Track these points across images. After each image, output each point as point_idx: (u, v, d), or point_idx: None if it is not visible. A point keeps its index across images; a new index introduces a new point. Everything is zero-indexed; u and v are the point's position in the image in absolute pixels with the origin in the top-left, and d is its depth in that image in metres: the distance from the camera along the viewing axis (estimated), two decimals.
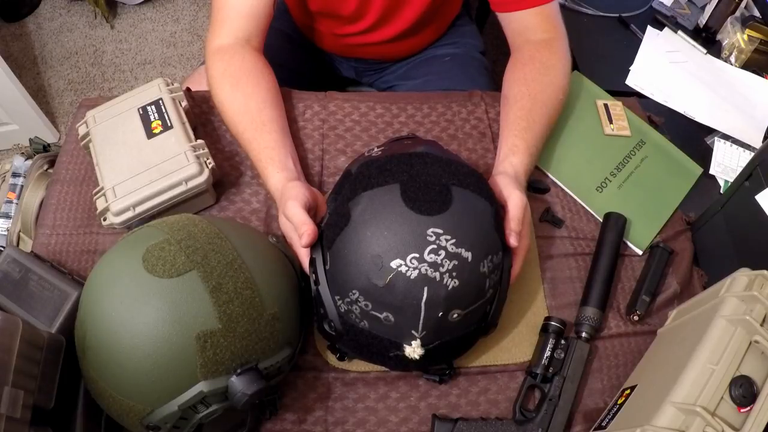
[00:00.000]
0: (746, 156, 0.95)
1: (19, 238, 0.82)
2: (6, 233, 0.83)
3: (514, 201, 0.65)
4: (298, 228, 0.62)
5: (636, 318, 0.72)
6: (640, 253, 0.79)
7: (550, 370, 0.67)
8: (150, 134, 0.74)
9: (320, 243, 0.61)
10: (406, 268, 0.54)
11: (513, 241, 0.62)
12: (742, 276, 0.59)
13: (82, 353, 0.55)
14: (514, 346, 0.71)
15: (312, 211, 0.66)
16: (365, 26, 0.95)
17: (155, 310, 0.51)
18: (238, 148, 0.81)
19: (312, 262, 0.61)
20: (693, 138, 0.98)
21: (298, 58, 1.08)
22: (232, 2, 0.80)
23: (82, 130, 0.77)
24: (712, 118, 1.01)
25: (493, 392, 0.69)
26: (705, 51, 1.14)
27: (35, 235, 0.76)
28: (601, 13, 1.21)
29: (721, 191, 0.90)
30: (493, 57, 1.21)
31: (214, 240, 0.56)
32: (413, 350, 0.57)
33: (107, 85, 1.92)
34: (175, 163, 0.71)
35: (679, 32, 1.16)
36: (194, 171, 0.70)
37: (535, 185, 0.81)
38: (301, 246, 0.62)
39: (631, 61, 1.10)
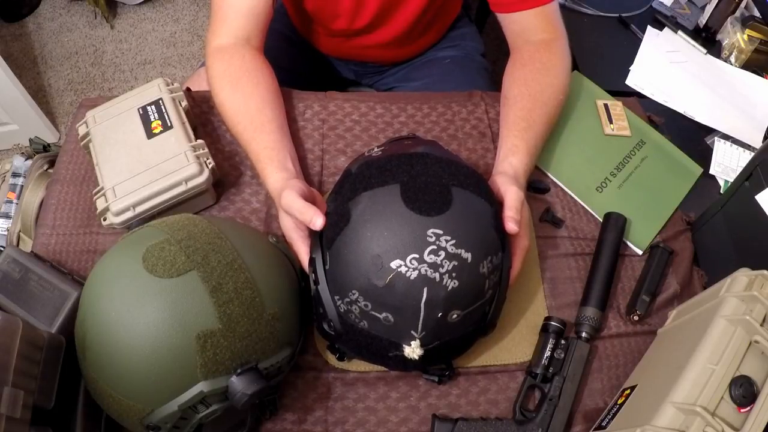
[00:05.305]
0: (746, 156, 0.95)
1: (19, 238, 0.82)
2: (6, 233, 0.83)
3: (511, 194, 0.65)
4: (302, 214, 0.61)
5: (636, 318, 0.72)
6: (640, 253, 0.79)
7: (550, 370, 0.67)
8: (150, 134, 0.74)
9: (320, 243, 0.61)
10: (406, 269, 0.54)
11: (512, 225, 0.61)
12: (742, 276, 0.59)
13: (82, 353, 0.55)
14: (514, 346, 0.71)
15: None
16: (360, 28, 0.94)
17: (155, 310, 0.51)
18: (238, 148, 0.81)
19: (311, 261, 0.61)
20: (693, 138, 0.98)
21: (297, 59, 1.08)
22: (231, 1, 0.79)
23: (82, 130, 0.77)
24: (712, 118, 1.01)
25: (493, 392, 0.69)
26: (705, 51, 1.14)
27: (35, 235, 0.76)
28: (601, 13, 1.21)
29: (721, 191, 0.90)
30: (493, 57, 1.21)
31: (214, 240, 0.56)
32: (412, 350, 0.57)
33: (107, 85, 1.92)
34: (175, 163, 0.71)
35: (679, 32, 1.16)
36: (194, 171, 0.70)
37: (535, 185, 0.81)
38: (315, 229, 0.60)
39: (631, 61, 1.10)
